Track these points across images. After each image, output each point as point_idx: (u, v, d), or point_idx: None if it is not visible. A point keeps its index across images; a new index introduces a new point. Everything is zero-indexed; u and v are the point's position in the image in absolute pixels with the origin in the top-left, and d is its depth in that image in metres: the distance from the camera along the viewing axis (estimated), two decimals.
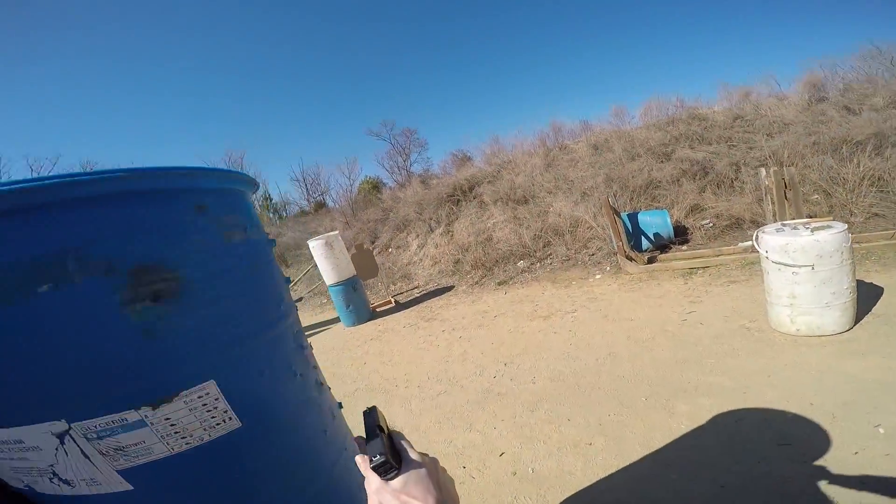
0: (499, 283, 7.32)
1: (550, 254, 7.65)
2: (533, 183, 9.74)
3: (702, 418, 2.66)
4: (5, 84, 38.83)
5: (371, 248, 10.47)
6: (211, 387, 0.80)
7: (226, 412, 0.82)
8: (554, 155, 11.01)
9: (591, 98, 51.47)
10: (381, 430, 0.65)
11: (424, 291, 8.26)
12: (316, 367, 1.20)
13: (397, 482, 0.59)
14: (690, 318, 4.04)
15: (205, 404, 0.79)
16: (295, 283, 12.51)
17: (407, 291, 8.70)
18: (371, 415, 0.67)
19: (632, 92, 43.98)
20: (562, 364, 3.82)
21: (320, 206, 26.33)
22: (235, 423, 0.84)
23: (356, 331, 6.88)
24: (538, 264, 7.51)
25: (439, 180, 12.72)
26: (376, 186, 23.17)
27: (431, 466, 0.63)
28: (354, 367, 5.25)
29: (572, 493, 2.35)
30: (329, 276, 7.07)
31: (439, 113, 57.31)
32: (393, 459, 0.61)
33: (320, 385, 1.16)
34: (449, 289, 7.92)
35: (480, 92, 59.29)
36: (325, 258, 6.96)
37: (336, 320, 7.78)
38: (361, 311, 7.25)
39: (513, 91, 58.68)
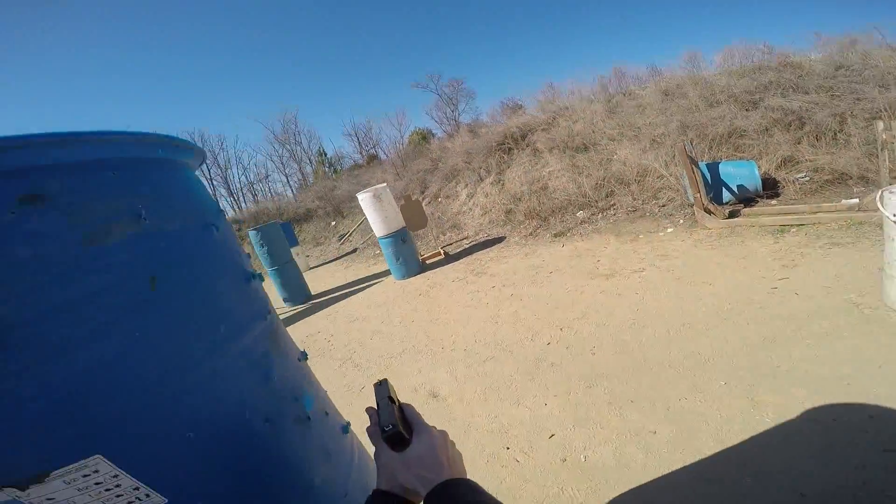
0: (555, 235, 6.88)
1: (614, 204, 7.04)
2: (594, 130, 8.90)
3: (791, 412, 2.26)
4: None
5: (420, 199, 10.24)
6: (98, 462, 0.57)
7: (136, 489, 0.60)
8: (617, 101, 9.96)
9: (659, 43, 46.09)
10: (392, 401, 0.65)
11: (474, 242, 7.99)
12: (300, 397, 0.92)
13: (409, 454, 0.60)
14: (782, 287, 3.48)
15: (98, 483, 0.58)
16: (350, 235, 12.73)
17: (456, 242, 8.46)
18: (382, 387, 0.68)
19: (705, 38, 38.72)
20: (626, 333, 3.46)
21: (372, 158, 26.44)
22: (158, 500, 0.62)
23: (406, 284, 6.81)
24: (600, 215, 6.95)
25: (488, 129, 12.06)
26: (425, 137, 22.69)
27: (442, 440, 0.63)
28: (403, 325, 5.17)
29: (628, 488, 2.09)
30: (378, 228, 6.97)
31: (487, 62, 54.11)
32: (404, 431, 0.61)
33: (306, 421, 0.91)
34: (500, 240, 7.59)
35: (531, 38, 54.90)
36: (374, 210, 6.84)
37: (388, 272, 7.76)
38: (411, 264, 7.14)
39: (567, 36, 53.84)
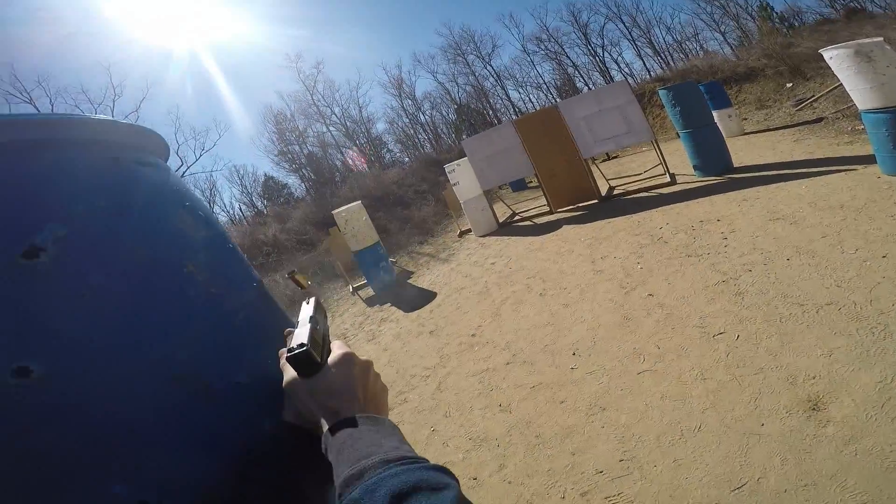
0: None
1: None
2: None
3: None
4: None
5: None
6: None
7: None
8: None
9: None
10: (315, 322, 0.56)
11: None
12: None
13: (316, 380, 0.51)
14: None
15: None
16: (813, 100, 9.16)
17: None
18: (308, 305, 0.60)
19: None
20: None
21: (854, 12, 21.48)
22: None
23: None
24: None
25: None
26: None
27: (360, 368, 0.54)
28: (861, 259, 3.05)
29: None
30: (864, 98, 4.39)
31: None
32: (316, 354, 0.52)
33: None
34: None
35: None
36: (857, 74, 4.32)
37: (870, 160, 4.85)
38: None
39: None
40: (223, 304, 0.61)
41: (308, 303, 0.60)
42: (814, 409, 2.04)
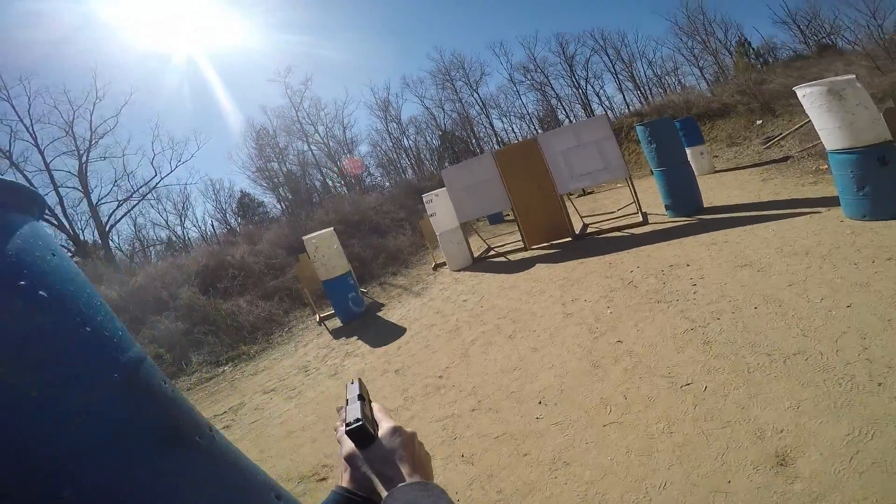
0: None
1: None
2: None
3: None
4: None
5: None
6: None
7: None
8: None
9: None
10: (363, 399, 0.64)
11: None
12: None
13: (372, 450, 0.58)
14: None
15: None
16: (781, 139, 9.48)
17: None
18: (353, 385, 0.67)
19: None
20: None
21: (825, 48, 22.92)
22: None
23: (863, 230, 4.09)
24: None
25: None
26: None
27: (409, 439, 0.61)
28: (827, 309, 3.04)
29: None
30: (832, 138, 4.45)
31: None
32: (370, 428, 0.59)
33: None
34: None
35: None
36: (828, 112, 4.40)
37: (833, 202, 4.95)
38: (888, 199, 4.20)
39: None
40: (53, 409, 0.48)
41: (353, 382, 0.67)
42: (781, 464, 1.96)
